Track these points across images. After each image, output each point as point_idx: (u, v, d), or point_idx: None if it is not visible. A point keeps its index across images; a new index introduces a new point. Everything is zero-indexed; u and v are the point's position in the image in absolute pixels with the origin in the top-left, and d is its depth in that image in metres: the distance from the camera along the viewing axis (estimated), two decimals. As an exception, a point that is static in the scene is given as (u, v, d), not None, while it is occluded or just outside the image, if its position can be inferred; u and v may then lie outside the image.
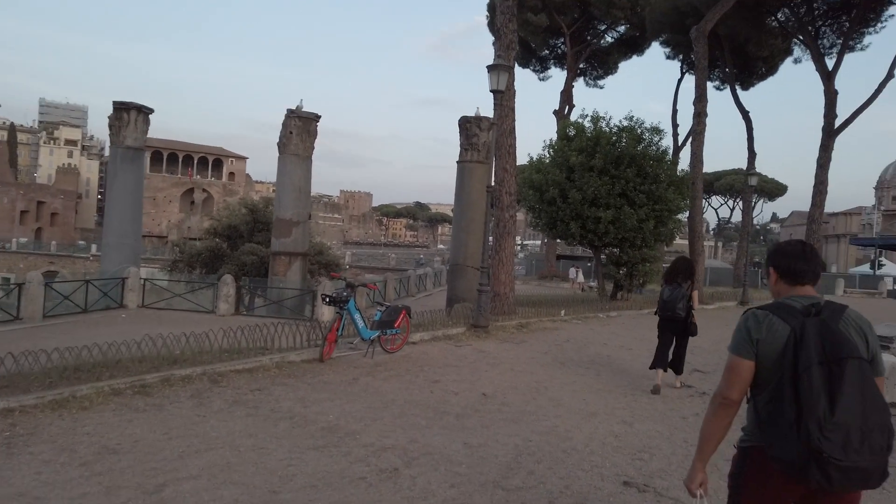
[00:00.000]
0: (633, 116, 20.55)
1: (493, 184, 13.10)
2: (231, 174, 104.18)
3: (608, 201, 18.99)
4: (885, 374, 2.43)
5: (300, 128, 18.97)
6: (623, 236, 19.21)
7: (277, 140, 19.19)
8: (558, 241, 41.95)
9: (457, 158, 18.78)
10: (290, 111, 18.93)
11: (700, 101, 24.66)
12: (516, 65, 16.92)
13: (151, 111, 19.71)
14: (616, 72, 50.66)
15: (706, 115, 25.60)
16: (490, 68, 11.49)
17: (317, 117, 19.43)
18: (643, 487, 4.57)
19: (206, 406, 6.10)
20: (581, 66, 48.88)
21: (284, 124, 19.04)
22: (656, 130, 20.51)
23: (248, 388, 6.88)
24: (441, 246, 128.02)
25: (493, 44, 13.30)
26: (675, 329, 8.00)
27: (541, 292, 27.34)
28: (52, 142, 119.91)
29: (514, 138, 14.32)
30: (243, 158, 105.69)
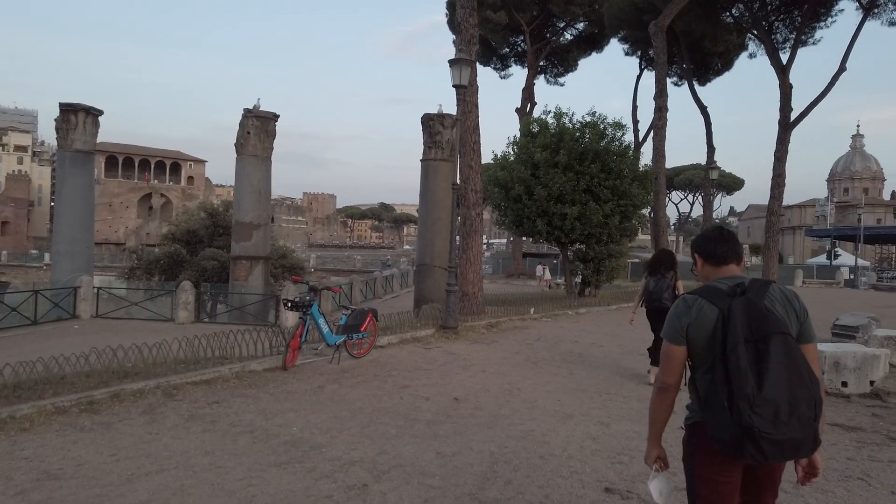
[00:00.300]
0: (595, 112, 20.57)
1: (458, 182, 12.85)
2: (190, 178, 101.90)
3: (573, 197, 18.93)
4: (816, 340, 2.53)
5: (258, 128, 18.42)
6: (589, 232, 19.17)
7: (235, 141, 18.61)
8: (524, 238, 42.15)
9: (420, 157, 18.50)
10: (246, 111, 18.37)
11: (660, 95, 24.90)
12: (477, 63, 16.74)
13: (101, 113, 18.90)
14: (576, 69, 51.09)
15: (667, 109, 25.89)
16: (452, 63, 11.23)
17: (275, 116, 18.90)
18: (626, 494, 4.35)
19: (159, 423, 5.69)
20: (542, 63, 49.12)
21: (241, 124, 18.46)
22: (619, 126, 20.54)
23: (206, 400, 6.48)
24: (407, 247, 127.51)
25: (454, 41, 13.08)
26: (663, 319, 7.98)
27: (509, 290, 27.24)
28: (0, 148, 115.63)
29: (479, 135, 14.10)
30: (202, 162, 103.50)
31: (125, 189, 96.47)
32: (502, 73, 50.58)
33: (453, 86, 11.41)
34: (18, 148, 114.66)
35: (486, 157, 19.70)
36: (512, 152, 21.46)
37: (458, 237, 14.03)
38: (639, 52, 45.00)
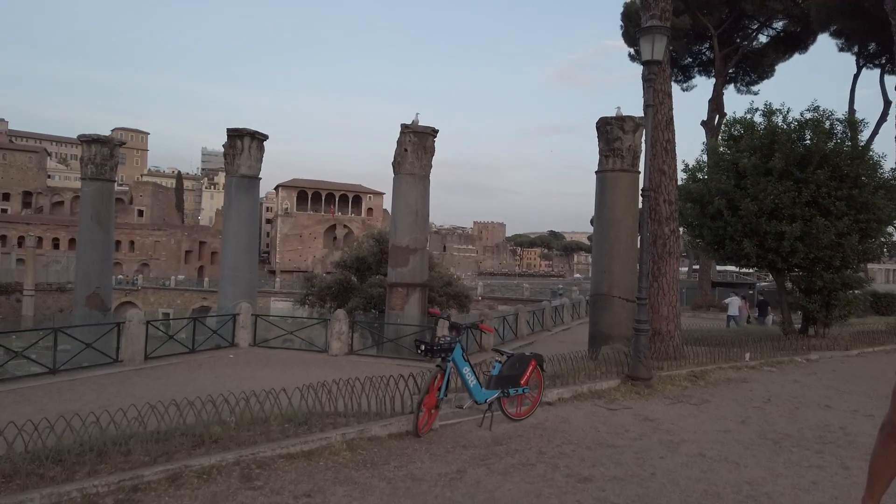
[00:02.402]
0: (818, 107, 16.48)
1: (646, 188, 10.02)
2: (369, 210, 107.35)
3: (793, 211, 15.07)
4: None
5: (415, 144, 17.02)
6: (815, 255, 15.11)
7: (392, 160, 17.38)
8: (718, 266, 36.99)
9: (596, 168, 15.85)
10: (404, 126, 17.07)
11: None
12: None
13: (265, 138, 18.77)
14: (772, 75, 45.18)
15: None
16: (642, 32, 8.65)
17: (433, 132, 17.40)
18: None
19: (213, 530, 3.78)
20: (730, 71, 44.06)
21: (399, 141, 17.20)
22: (852, 123, 16.28)
23: (294, 490, 4.50)
24: (577, 275, 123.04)
25: (642, 13, 10.46)
26: None
27: (701, 325, 23.24)
28: (212, 187, 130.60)
29: (673, 132, 11.23)
30: (380, 194, 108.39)
31: (313, 221, 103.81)
32: (684, 84, 46.17)
33: (644, 62, 8.83)
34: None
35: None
36: (706, 161, 18.02)
37: (647, 260, 11.19)
38: (856, 48, 38.50)
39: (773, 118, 16.65)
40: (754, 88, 45.79)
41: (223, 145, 18.39)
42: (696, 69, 45.74)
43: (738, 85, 45.80)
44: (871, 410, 7.92)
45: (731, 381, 9.83)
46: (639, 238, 13.85)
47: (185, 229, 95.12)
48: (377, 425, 5.93)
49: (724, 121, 20.35)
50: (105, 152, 19.62)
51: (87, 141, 19.52)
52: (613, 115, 16.05)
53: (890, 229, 16.96)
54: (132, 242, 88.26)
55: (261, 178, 19.06)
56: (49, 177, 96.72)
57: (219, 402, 6.15)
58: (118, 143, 20.16)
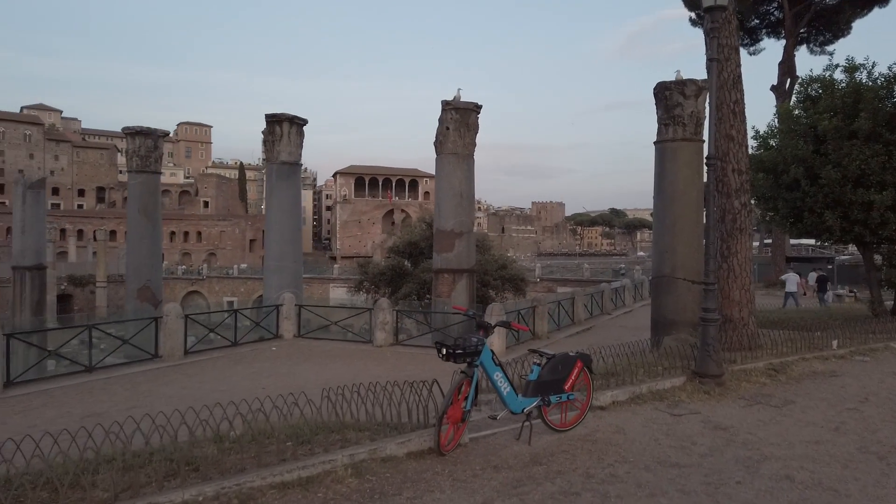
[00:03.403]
0: (911, 58, 14.51)
1: (712, 156, 8.73)
2: (426, 193, 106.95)
3: (883, 178, 13.36)
4: None
5: (458, 121, 16.00)
6: (910, 226, 13.37)
7: (433, 139, 16.44)
8: (792, 240, 34.47)
9: (654, 139, 14.46)
10: (445, 103, 16.05)
11: None
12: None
13: (305, 122, 18.14)
14: (849, 33, 41.35)
15: None
16: (704, -27, 7.39)
17: (476, 108, 16.32)
18: None
19: None
20: (802, 31, 40.76)
21: (440, 119, 16.21)
22: (953, 75, 14.28)
23: (278, 533, 3.73)
24: (641, 253, 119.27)
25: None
26: None
27: (773, 305, 21.46)
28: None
29: (742, 92, 9.85)
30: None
31: (371, 206, 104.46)
32: (751, 48, 43.08)
33: (706, 9, 7.57)
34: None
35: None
36: (778, 126, 16.30)
37: (714, 239, 9.94)
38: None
39: (856, 75, 14.82)
40: (829, 48, 42.27)
41: (262, 132, 17.90)
42: (763, 31, 42.65)
43: (811, 45, 42.37)
44: None
45: (817, 374, 8.54)
46: (704, 213, 12.52)
47: (249, 219, 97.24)
48: (394, 442, 5.09)
49: (799, 80, 18.40)
50: (149, 144, 19.50)
51: (131, 133, 19.44)
52: (673, 79, 14.61)
53: None
54: (199, 233, 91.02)
55: (302, 165, 18.51)
56: (120, 172, 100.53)
57: (230, 410, 5.45)
58: (162, 135, 20.00)
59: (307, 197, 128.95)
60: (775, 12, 40.40)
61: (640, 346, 9.61)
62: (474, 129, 16.44)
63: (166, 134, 20.49)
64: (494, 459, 5.13)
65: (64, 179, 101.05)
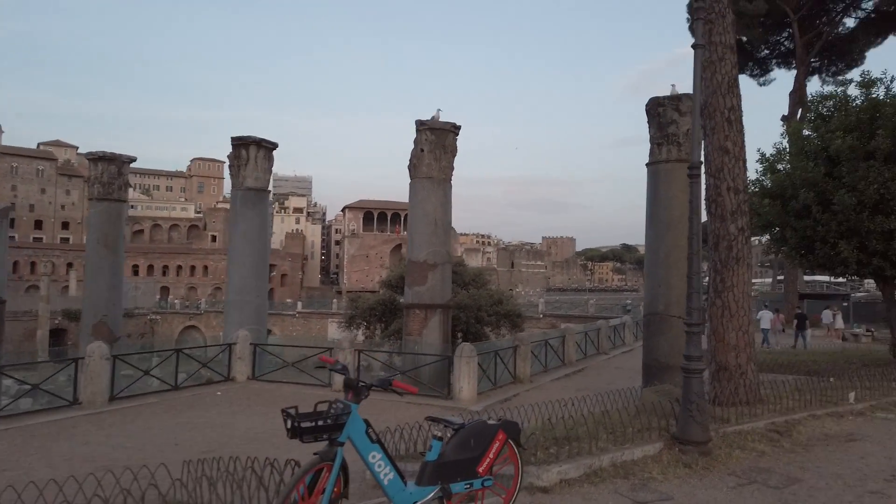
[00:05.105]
0: (932, 72, 13.03)
1: (695, 165, 7.21)
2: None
3: (905, 204, 11.77)
4: None
5: (433, 143, 14.67)
6: (938, 259, 11.70)
7: (408, 163, 15.10)
8: (805, 273, 32.56)
9: (647, 160, 13.04)
10: (419, 122, 14.76)
11: None
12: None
13: (274, 146, 16.94)
14: (862, 62, 40.09)
15: None
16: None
17: (455, 128, 15.00)
18: None
19: None
20: (813, 60, 39.66)
21: (415, 140, 14.88)
22: (979, 90, 12.78)
23: None
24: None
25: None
26: None
27: (783, 343, 19.66)
28: (282, 211, 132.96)
29: (738, 97, 8.39)
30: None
31: (379, 241, 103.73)
32: (761, 79, 42.05)
33: (693, 4, 6.19)
34: (296, 210, 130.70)
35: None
36: (786, 148, 14.82)
37: (706, 270, 8.40)
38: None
39: (873, 90, 13.36)
40: (841, 78, 40.94)
41: (227, 156, 16.69)
42: (773, 61, 41.72)
43: (824, 75, 41.16)
44: None
45: (830, 438, 6.86)
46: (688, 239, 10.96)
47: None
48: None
49: (809, 98, 16.97)
50: (112, 170, 18.36)
51: (94, 159, 18.33)
52: (667, 94, 13.23)
53: None
54: (206, 267, 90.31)
55: (270, 191, 17.24)
56: (132, 206, 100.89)
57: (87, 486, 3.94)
58: (127, 160, 18.88)
59: (316, 231, 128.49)
60: (786, 42, 39.45)
61: (625, 396, 8.02)
62: (452, 151, 15.10)
63: (132, 160, 19.35)
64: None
65: (74, 214, 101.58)
